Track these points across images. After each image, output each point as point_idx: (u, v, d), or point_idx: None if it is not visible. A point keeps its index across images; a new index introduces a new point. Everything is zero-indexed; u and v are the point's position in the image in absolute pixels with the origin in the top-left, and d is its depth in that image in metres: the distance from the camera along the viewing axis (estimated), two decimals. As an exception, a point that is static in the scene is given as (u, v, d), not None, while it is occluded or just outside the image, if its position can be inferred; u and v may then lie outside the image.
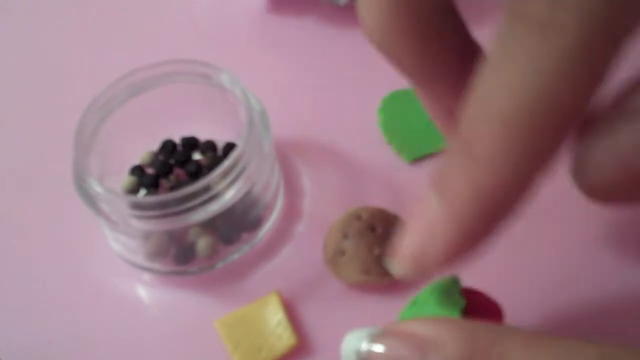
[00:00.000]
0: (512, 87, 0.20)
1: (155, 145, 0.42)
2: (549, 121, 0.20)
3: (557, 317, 0.35)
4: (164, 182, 0.41)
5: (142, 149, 0.42)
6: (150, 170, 0.42)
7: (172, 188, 0.40)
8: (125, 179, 0.41)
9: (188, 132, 0.42)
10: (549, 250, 0.38)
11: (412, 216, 0.25)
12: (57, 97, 0.48)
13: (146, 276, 0.39)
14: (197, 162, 0.41)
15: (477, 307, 0.33)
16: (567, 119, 0.20)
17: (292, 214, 0.40)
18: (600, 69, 0.20)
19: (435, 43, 0.26)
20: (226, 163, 0.36)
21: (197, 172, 0.40)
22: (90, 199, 0.37)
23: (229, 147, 0.41)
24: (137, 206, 0.36)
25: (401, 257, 0.25)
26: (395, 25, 0.25)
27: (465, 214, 0.22)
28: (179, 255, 0.38)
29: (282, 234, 0.40)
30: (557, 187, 0.40)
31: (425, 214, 0.24)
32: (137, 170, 0.42)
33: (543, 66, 0.19)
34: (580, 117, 0.21)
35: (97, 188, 0.36)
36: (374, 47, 0.26)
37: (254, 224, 0.39)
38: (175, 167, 0.42)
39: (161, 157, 0.42)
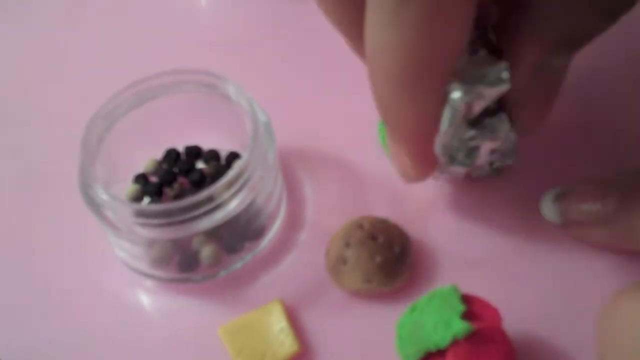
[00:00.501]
0: (387, 44, 0.25)
1: (159, 154, 0.43)
2: (425, 68, 0.26)
3: (554, 323, 0.36)
4: (167, 191, 0.41)
5: (147, 157, 0.43)
6: (154, 179, 0.42)
7: (176, 197, 0.40)
8: (130, 186, 0.42)
9: (192, 142, 0.43)
10: (547, 256, 0.38)
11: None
12: (64, 105, 0.48)
13: (149, 283, 0.40)
14: (200, 171, 0.41)
15: (476, 312, 0.33)
16: (440, 64, 0.26)
17: (294, 223, 0.41)
18: (456, 21, 0.25)
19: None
20: (231, 173, 0.36)
21: (201, 181, 0.41)
22: (95, 206, 0.37)
23: (233, 156, 0.42)
24: (141, 214, 0.36)
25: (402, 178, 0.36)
26: None
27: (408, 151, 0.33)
28: (182, 263, 0.39)
29: (284, 243, 0.40)
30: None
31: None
32: (141, 179, 0.42)
33: (407, 29, 0.24)
34: (450, 60, 0.27)
35: (102, 195, 0.36)
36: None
37: (257, 234, 0.40)
38: (179, 176, 0.42)
39: (165, 166, 0.42)
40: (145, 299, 0.39)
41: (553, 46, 0.29)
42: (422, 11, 0.24)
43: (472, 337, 0.32)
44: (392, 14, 0.24)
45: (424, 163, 0.33)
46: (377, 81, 0.28)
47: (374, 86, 0.28)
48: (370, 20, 0.26)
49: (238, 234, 0.39)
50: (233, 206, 0.37)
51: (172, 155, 0.43)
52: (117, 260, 0.40)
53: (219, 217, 0.36)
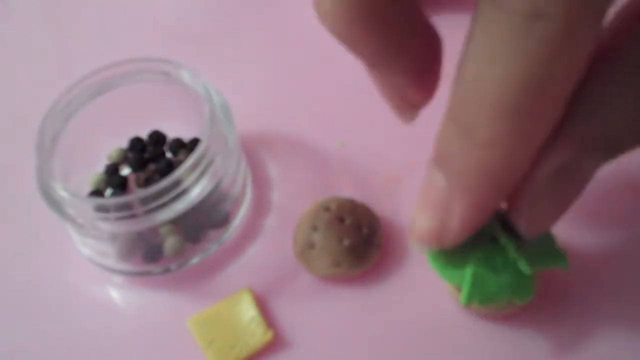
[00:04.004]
0: (504, 74, 0.21)
1: (120, 145, 0.42)
2: (542, 103, 0.22)
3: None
4: (138, 175, 0.40)
5: (106, 150, 0.42)
6: (124, 168, 0.42)
7: (147, 180, 0.39)
8: (93, 174, 0.41)
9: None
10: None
11: (420, 196, 0.27)
12: (18, 99, 0.48)
13: (117, 278, 0.39)
14: (169, 159, 0.40)
15: None
16: (558, 98, 0.22)
17: (261, 208, 0.40)
18: (585, 48, 0.21)
19: (391, 30, 0.26)
20: (191, 160, 0.35)
21: (169, 169, 0.40)
22: (55, 204, 0.36)
23: (195, 142, 0.41)
24: (102, 208, 0.35)
25: (421, 238, 0.28)
26: (351, 14, 0.25)
27: (476, 191, 0.25)
28: (148, 255, 0.38)
29: (251, 229, 0.39)
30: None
31: (434, 193, 0.26)
32: (112, 168, 0.41)
33: (532, 53, 0.20)
34: (571, 91, 0.22)
35: (62, 192, 0.35)
36: (326, 30, 0.26)
37: (223, 220, 0.39)
38: (150, 163, 0.41)
39: (131, 155, 0.41)
40: (114, 295, 0.39)
41: (587, 147, 0.25)
42: (556, 32, 0.20)
43: None
44: (519, 38, 0.20)
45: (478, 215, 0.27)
46: (483, 118, 0.22)
47: (474, 122, 0.23)
48: (484, 51, 0.21)
49: (203, 221, 0.38)
50: (196, 193, 0.36)
51: (138, 144, 0.42)
52: (83, 258, 0.39)
53: (181, 205, 0.35)
